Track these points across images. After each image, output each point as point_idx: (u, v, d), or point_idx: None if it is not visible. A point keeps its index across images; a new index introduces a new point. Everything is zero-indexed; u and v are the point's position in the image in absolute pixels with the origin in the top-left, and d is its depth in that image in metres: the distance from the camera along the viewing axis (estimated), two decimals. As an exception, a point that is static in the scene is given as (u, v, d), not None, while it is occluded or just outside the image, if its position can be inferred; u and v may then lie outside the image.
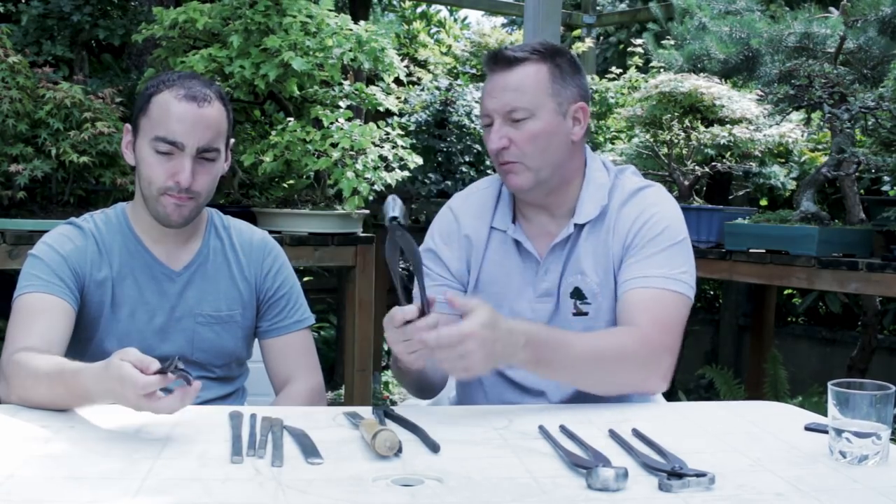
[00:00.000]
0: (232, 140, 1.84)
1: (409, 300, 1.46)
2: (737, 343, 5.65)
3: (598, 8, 7.11)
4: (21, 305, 1.69)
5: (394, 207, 1.41)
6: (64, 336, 1.68)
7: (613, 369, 1.61)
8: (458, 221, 1.87)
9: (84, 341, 1.78)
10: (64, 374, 1.43)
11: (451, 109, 4.67)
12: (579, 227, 1.80)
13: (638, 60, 5.60)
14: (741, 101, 3.86)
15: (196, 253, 1.85)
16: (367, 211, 3.57)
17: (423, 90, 4.96)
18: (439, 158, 4.63)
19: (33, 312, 1.68)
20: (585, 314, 1.79)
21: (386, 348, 5.89)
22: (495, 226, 1.85)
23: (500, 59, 1.76)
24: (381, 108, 3.59)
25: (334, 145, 3.23)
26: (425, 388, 1.81)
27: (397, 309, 1.46)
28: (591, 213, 1.79)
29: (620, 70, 5.71)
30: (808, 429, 1.47)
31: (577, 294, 1.79)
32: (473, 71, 6.11)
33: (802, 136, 3.93)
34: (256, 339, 1.96)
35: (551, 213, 1.82)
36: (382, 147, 3.40)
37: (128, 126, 1.80)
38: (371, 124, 3.43)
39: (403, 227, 1.39)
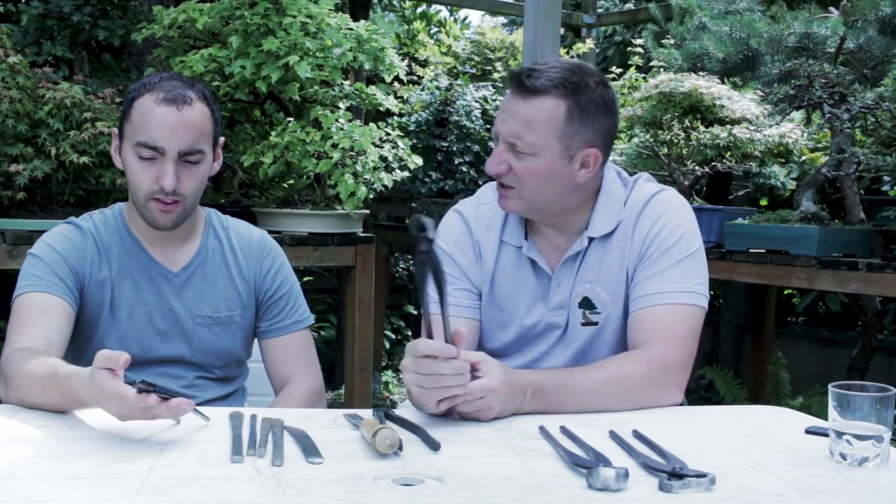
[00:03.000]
0: (222, 139, 1.83)
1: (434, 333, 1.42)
2: (737, 343, 5.65)
3: (597, 11, 7.10)
4: (20, 305, 1.69)
5: (428, 227, 1.35)
6: (63, 336, 1.68)
7: (624, 397, 1.60)
8: (469, 228, 1.85)
9: (84, 341, 1.78)
10: (57, 378, 1.41)
11: (451, 109, 4.67)
12: (592, 239, 1.78)
13: (638, 60, 5.59)
14: (741, 102, 3.86)
15: (194, 254, 1.85)
16: (366, 211, 3.57)
17: (422, 90, 4.96)
18: (439, 158, 4.63)
19: (33, 312, 1.67)
20: (595, 324, 1.77)
21: (387, 347, 5.90)
22: (506, 240, 1.82)
23: (520, 85, 1.67)
24: (381, 109, 3.59)
25: (335, 146, 3.23)
26: None
27: (424, 341, 1.42)
28: (605, 227, 1.76)
29: (620, 70, 5.71)
30: (808, 432, 1.46)
31: (587, 304, 1.77)
32: (473, 71, 6.10)
33: (802, 136, 3.93)
34: (256, 340, 1.96)
35: (561, 230, 1.80)
36: (382, 147, 3.39)
37: (115, 131, 1.81)
38: (371, 125, 3.43)
39: (431, 246, 1.35)
